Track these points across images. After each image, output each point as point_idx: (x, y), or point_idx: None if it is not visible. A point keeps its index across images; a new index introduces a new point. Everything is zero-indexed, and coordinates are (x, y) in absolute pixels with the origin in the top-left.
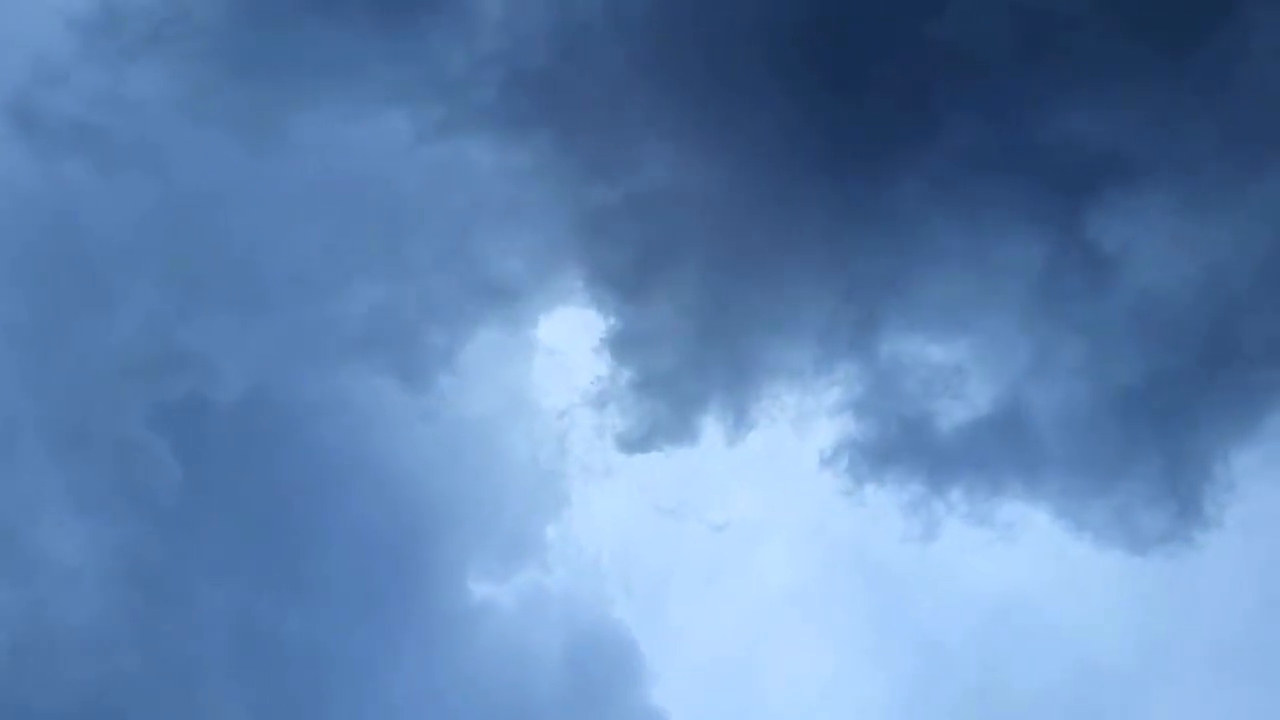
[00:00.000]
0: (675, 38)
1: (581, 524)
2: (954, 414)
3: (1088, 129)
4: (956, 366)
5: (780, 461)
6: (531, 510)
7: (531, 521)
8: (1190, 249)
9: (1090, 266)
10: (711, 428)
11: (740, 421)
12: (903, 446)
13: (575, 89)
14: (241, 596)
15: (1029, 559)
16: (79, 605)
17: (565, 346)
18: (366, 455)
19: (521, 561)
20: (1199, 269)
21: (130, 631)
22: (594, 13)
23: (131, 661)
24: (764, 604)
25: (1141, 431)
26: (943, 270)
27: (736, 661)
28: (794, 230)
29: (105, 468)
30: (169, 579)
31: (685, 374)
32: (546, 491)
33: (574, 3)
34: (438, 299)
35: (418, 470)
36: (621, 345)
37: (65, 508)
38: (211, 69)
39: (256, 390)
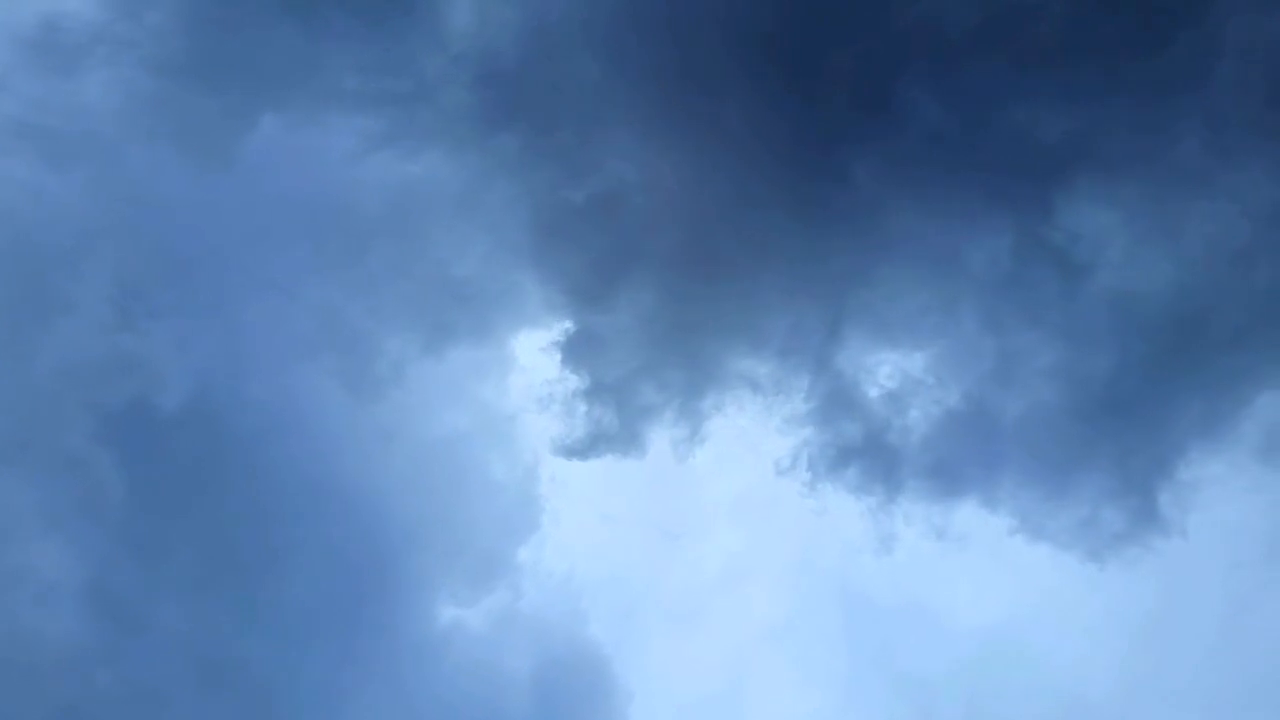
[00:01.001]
0: (641, 37)
1: (553, 543)
2: (916, 421)
3: (1056, 121)
4: (918, 373)
5: (737, 470)
6: (503, 531)
7: (502, 542)
8: (1160, 243)
9: (1056, 263)
10: (665, 437)
11: (695, 431)
12: (862, 455)
13: (539, 90)
14: (202, 618)
15: (1001, 582)
16: (50, 623)
17: (538, 363)
18: (330, 474)
19: (492, 583)
20: (1170, 263)
21: (93, 651)
22: (558, 14)
23: (96, 680)
24: (739, 627)
25: (1105, 435)
26: (908, 270)
27: (714, 682)
28: (758, 232)
29: (59, 482)
30: (128, 598)
31: (640, 380)
32: (518, 511)
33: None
34: (401, 311)
35: (386, 489)
36: (575, 350)
37: (35, 524)
38: (164, 76)
39: (213, 409)
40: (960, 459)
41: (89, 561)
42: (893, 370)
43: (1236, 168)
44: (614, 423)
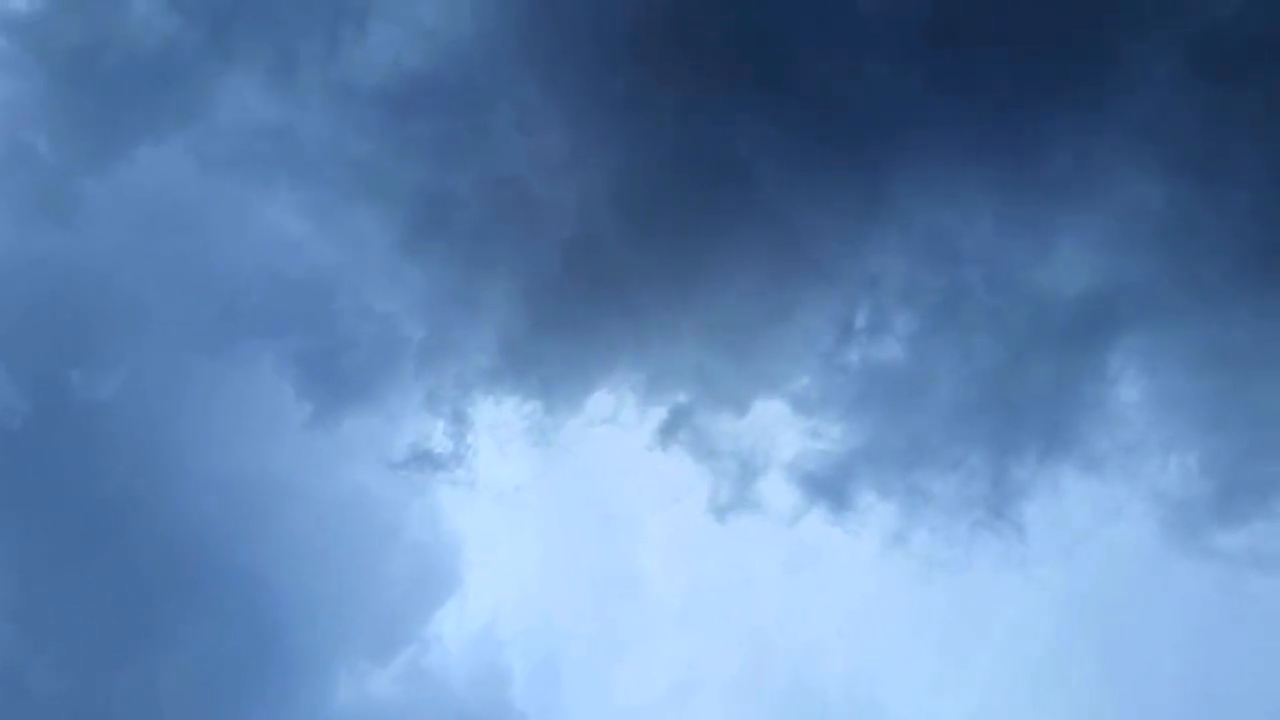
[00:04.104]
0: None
1: (472, 604)
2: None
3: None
4: (795, 401)
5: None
6: (416, 593)
7: (417, 606)
8: (1052, 236)
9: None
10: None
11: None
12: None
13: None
14: (82, 687)
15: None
16: None
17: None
18: (221, 535)
19: (401, 650)
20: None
21: None
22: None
23: None
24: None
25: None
26: (796, 280)
27: None
28: (642, 237)
29: None
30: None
31: (487, 395)
32: (432, 572)
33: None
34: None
35: (283, 550)
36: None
37: None
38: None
39: (94, 467)
40: (830, 483)
41: None
42: (772, 398)
43: (1135, 164)
44: (445, 441)
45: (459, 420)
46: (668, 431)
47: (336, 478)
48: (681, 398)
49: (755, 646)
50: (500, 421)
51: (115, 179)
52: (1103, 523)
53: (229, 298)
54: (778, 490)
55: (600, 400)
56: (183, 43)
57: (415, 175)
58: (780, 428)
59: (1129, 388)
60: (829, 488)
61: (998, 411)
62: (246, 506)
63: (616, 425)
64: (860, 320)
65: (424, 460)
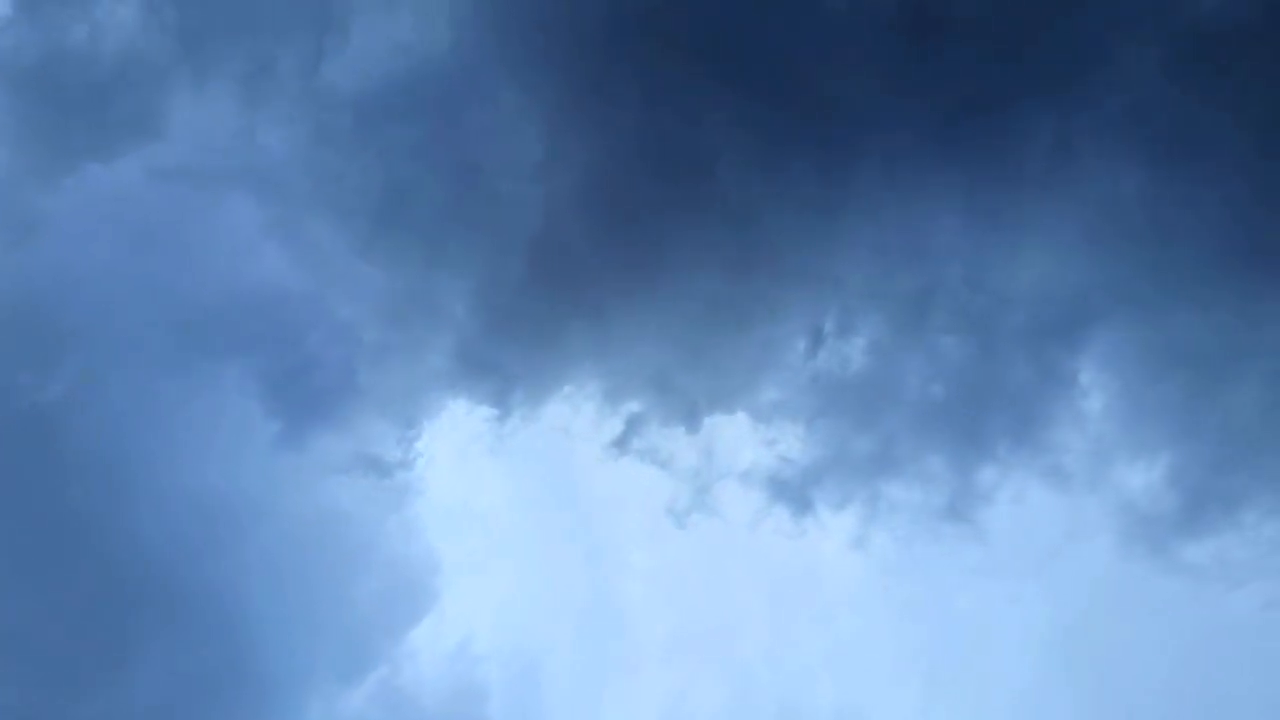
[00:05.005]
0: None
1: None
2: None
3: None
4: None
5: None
6: (389, 611)
7: (390, 624)
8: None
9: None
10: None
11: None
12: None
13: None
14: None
15: None
16: None
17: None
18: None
19: (373, 672)
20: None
21: None
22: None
23: None
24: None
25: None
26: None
27: None
28: (613, 241)
29: None
30: None
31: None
32: (409, 592)
33: None
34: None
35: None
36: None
37: None
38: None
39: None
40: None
41: None
42: (737, 405)
43: (1108, 163)
44: (393, 447)
45: (409, 425)
46: (622, 442)
47: (307, 493)
48: (642, 405)
49: (743, 670)
50: (453, 427)
51: (78, 192)
52: (1071, 532)
53: (195, 312)
54: (738, 498)
55: (558, 408)
56: (145, 57)
57: (377, 177)
58: (745, 434)
59: (1100, 393)
60: (793, 493)
61: (965, 415)
62: (215, 523)
63: (574, 434)
64: (829, 325)
65: (369, 466)
